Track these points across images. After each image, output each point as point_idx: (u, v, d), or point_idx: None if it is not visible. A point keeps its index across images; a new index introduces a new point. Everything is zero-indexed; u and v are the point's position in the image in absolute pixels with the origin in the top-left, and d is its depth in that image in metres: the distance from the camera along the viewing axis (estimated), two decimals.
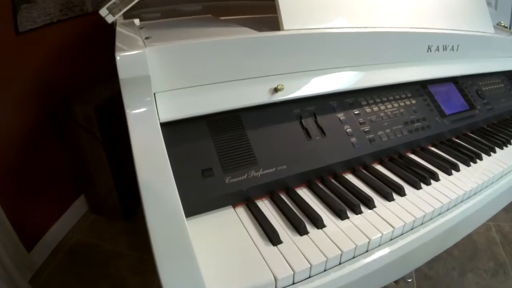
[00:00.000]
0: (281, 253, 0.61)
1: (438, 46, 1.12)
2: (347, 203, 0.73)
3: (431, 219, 0.77)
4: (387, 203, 0.75)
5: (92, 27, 1.88)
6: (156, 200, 0.57)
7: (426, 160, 0.93)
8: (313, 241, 0.63)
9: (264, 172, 0.73)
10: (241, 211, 0.71)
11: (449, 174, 0.88)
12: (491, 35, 1.27)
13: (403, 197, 0.78)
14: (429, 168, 0.88)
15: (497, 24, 1.63)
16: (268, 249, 0.62)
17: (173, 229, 0.54)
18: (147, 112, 0.67)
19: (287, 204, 0.71)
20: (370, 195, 0.75)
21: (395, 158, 0.92)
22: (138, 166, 0.59)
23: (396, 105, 1.00)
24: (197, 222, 0.67)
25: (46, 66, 1.67)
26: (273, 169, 0.74)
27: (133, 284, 1.56)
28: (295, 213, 0.69)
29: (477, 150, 1.00)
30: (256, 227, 0.67)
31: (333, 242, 0.64)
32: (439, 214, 0.79)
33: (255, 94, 0.78)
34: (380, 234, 0.66)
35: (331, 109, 0.87)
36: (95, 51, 1.92)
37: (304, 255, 0.60)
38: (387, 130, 0.92)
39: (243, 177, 0.71)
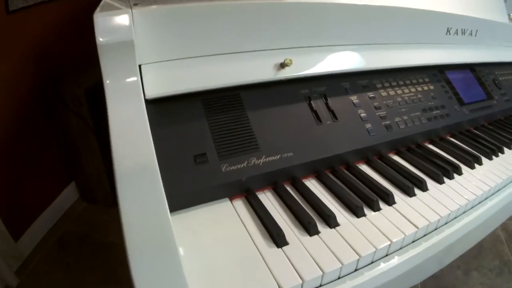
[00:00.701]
0: (287, 257, 0.49)
1: (457, 30, 1.01)
2: (363, 198, 0.61)
3: (455, 217, 0.66)
4: (408, 199, 0.64)
5: (86, 7, 1.73)
6: (134, 189, 0.45)
7: (446, 152, 0.82)
8: (325, 243, 0.52)
9: (267, 159, 0.61)
10: (239, 204, 0.60)
11: (472, 167, 0.77)
12: (509, 24, 1.17)
13: (425, 192, 0.66)
14: (451, 161, 0.76)
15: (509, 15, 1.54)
16: (271, 251, 0.50)
17: (153, 225, 0.43)
18: (129, 85, 0.55)
19: (294, 198, 0.60)
20: (388, 189, 0.64)
21: (413, 148, 0.80)
22: (115, 147, 0.48)
23: (413, 90, 0.88)
24: (186, 217, 0.56)
25: (37, 45, 1.53)
26: (278, 157, 0.62)
27: (122, 276, 1.45)
28: (303, 208, 0.57)
29: (498, 143, 0.89)
30: (257, 224, 0.55)
31: (348, 244, 0.52)
32: (464, 212, 0.68)
33: (258, 70, 0.66)
34: (402, 236, 0.55)
35: (343, 90, 0.75)
36: (88, 31, 1.78)
37: (314, 260, 0.49)
38: (405, 117, 0.80)
39: (242, 165, 0.59)
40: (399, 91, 0.85)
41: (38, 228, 1.63)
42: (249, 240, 0.52)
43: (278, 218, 0.56)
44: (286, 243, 0.51)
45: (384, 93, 0.81)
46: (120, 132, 0.50)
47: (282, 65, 0.66)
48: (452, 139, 0.89)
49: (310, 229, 0.54)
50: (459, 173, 0.74)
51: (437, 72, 0.98)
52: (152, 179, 0.47)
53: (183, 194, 0.55)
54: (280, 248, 0.51)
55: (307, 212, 0.56)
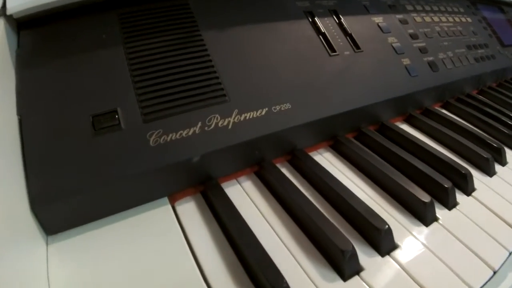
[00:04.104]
0: None
1: None
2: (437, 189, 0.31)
3: None
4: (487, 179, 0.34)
5: None
6: None
7: (504, 106, 0.52)
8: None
9: (242, 117, 0.29)
10: (189, 209, 0.28)
11: None
12: None
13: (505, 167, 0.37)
14: None
15: None
16: None
17: None
18: None
19: (307, 205, 0.28)
20: (463, 166, 0.34)
21: (464, 99, 0.50)
22: None
23: (451, 19, 0.57)
24: (74, 245, 0.24)
25: None
26: (263, 111, 0.30)
27: None
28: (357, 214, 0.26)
29: None
30: (223, 249, 0.24)
31: None
32: None
33: None
34: None
35: (361, 8, 0.44)
36: None
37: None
38: (449, 53, 0.49)
39: (191, 130, 0.27)
40: (435, 18, 0.54)
41: None
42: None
43: (271, 236, 0.25)
44: None
45: (418, 18, 0.50)
46: None
47: None
48: (502, 89, 0.60)
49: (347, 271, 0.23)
50: None
51: (470, 4, 0.68)
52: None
53: (71, 196, 0.23)
54: None
55: (362, 215, 0.26)
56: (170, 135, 0.27)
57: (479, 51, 0.57)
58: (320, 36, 0.37)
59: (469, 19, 0.63)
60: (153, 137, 0.27)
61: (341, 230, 0.25)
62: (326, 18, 0.39)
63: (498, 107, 0.49)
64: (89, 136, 0.26)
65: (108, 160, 0.25)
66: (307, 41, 0.36)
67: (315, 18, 0.38)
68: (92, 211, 0.26)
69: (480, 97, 0.53)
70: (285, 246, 0.26)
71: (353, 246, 0.24)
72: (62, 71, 0.28)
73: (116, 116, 0.27)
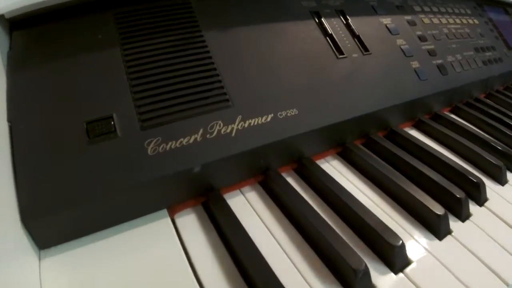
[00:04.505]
0: None
1: None
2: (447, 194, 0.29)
3: None
4: (498, 188, 0.33)
5: None
6: None
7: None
8: None
9: (246, 124, 0.27)
10: (190, 221, 0.26)
11: None
12: None
13: None
14: None
15: None
16: None
17: None
18: None
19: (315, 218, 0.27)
20: (475, 174, 0.32)
21: (473, 104, 0.48)
22: None
23: (458, 21, 0.56)
24: (77, 254, 0.23)
25: None
26: (268, 117, 0.28)
27: None
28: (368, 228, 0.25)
29: None
30: (225, 265, 0.22)
31: None
32: None
33: None
34: None
35: (369, 8, 0.42)
36: None
37: None
38: (458, 56, 0.48)
39: (192, 138, 0.26)
40: (443, 20, 0.52)
41: None
42: None
43: (279, 253, 0.23)
44: None
45: (425, 19, 0.48)
46: None
47: None
48: (508, 92, 0.58)
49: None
50: None
51: (476, 5, 0.66)
52: None
53: (62, 213, 0.22)
54: None
55: (373, 229, 0.24)
56: (170, 143, 0.25)
57: (487, 53, 0.56)
58: (327, 38, 0.35)
59: (476, 21, 0.61)
60: (152, 145, 0.25)
61: (352, 245, 0.24)
62: (333, 19, 0.37)
63: (507, 111, 0.48)
64: (83, 145, 0.24)
65: (103, 170, 0.23)
66: (314, 42, 0.34)
67: (322, 19, 0.36)
68: (86, 225, 0.24)
69: (488, 101, 0.52)
70: (292, 262, 0.24)
71: (366, 265, 0.22)
72: (55, 74, 0.26)
73: (112, 123, 0.25)
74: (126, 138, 0.25)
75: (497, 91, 0.56)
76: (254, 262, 0.23)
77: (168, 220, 0.25)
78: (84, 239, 0.24)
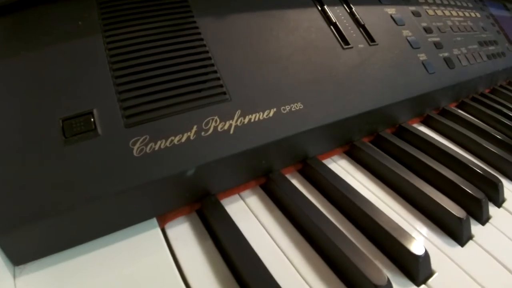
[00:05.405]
0: None
1: None
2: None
3: None
4: None
5: None
6: None
7: None
8: None
9: (245, 120, 0.24)
10: (183, 232, 0.23)
11: None
12: None
13: None
14: None
15: None
16: None
17: None
18: None
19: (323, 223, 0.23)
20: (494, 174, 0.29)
21: (479, 99, 0.46)
22: None
23: (461, 14, 0.53)
24: (55, 270, 0.19)
25: None
26: (270, 113, 0.25)
27: None
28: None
29: None
30: (224, 281, 0.19)
31: None
32: None
33: None
34: None
35: None
36: None
37: None
38: (463, 49, 0.45)
39: (185, 136, 0.22)
40: (446, 12, 0.50)
41: None
42: None
43: (284, 265, 0.20)
44: None
45: (430, 11, 0.46)
46: None
47: None
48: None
49: None
50: None
51: None
52: None
53: (36, 225, 0.18)
54: None
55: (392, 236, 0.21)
56: (159, 142, 0.22)
57: (490, 48, 0.53)
58: (332, 27, 0.32)
59: (478, 15, 0.59)
60: (138, 145, 0.21)
61: (368, 255, 0.21)
62: (336, 7, 0.34)
63: None
64: (58, 145, 0.21)
65: (81, 175, 0.20)
66: (318, 31, 0.31)
67: (325, 7, 0.33)
68: (65, 238, 0.21)
69: (494, 96, 0.49)
70: (300, 274, 0.21)
71: (388, 280, 0.19)
72: (28, 65, 0.23)
73: (92, 120, 0.22)
74: (108, 137, 0.21)
75: (501, 86, 0.54)
76: (258, 276, 0.19)
77: (158, 231, 0.22)
78: (63, 253, 0.21)
